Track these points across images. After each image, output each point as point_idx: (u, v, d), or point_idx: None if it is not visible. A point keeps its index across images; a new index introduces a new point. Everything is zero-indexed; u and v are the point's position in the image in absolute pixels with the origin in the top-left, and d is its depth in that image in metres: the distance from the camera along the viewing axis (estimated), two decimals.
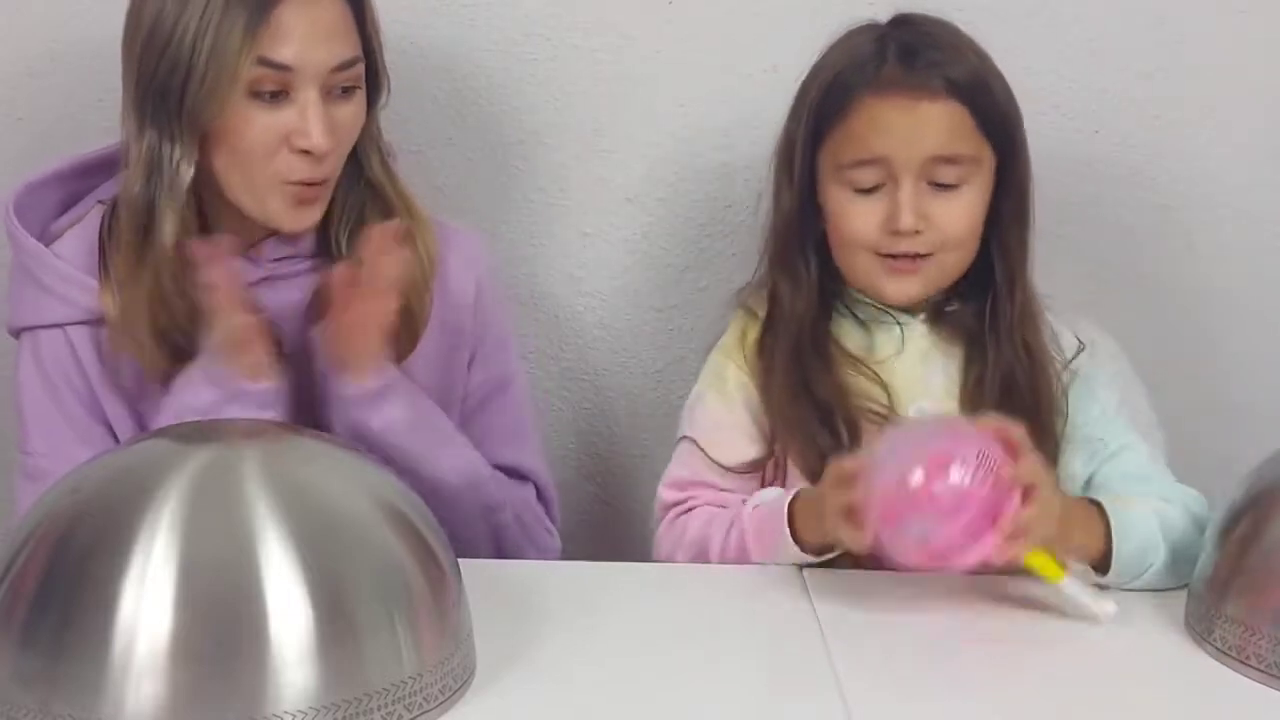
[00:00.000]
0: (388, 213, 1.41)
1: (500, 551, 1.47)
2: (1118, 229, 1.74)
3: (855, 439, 1.38)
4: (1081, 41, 1.69)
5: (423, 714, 1.03)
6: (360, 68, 1.37)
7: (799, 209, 1.44)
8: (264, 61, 1.29)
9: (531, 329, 1.78)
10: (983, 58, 1.41)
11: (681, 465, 1.46)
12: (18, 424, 1.41)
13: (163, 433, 1.15)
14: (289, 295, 1.41)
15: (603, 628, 1.21)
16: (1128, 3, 1.69)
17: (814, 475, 1.35)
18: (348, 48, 1.35)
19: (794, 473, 1.41)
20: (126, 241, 1.34)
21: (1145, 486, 1.37)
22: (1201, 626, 1.19)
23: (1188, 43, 1.70)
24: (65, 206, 1.43)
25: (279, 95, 1.31)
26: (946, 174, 1.38)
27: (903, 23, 1.43)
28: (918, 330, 1.44)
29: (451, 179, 1.73)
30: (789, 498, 1.33)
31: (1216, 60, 1.71)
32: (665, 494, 1.45)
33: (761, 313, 1.47)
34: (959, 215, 1.39)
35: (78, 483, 1.06)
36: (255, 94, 1.31)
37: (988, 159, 1.40)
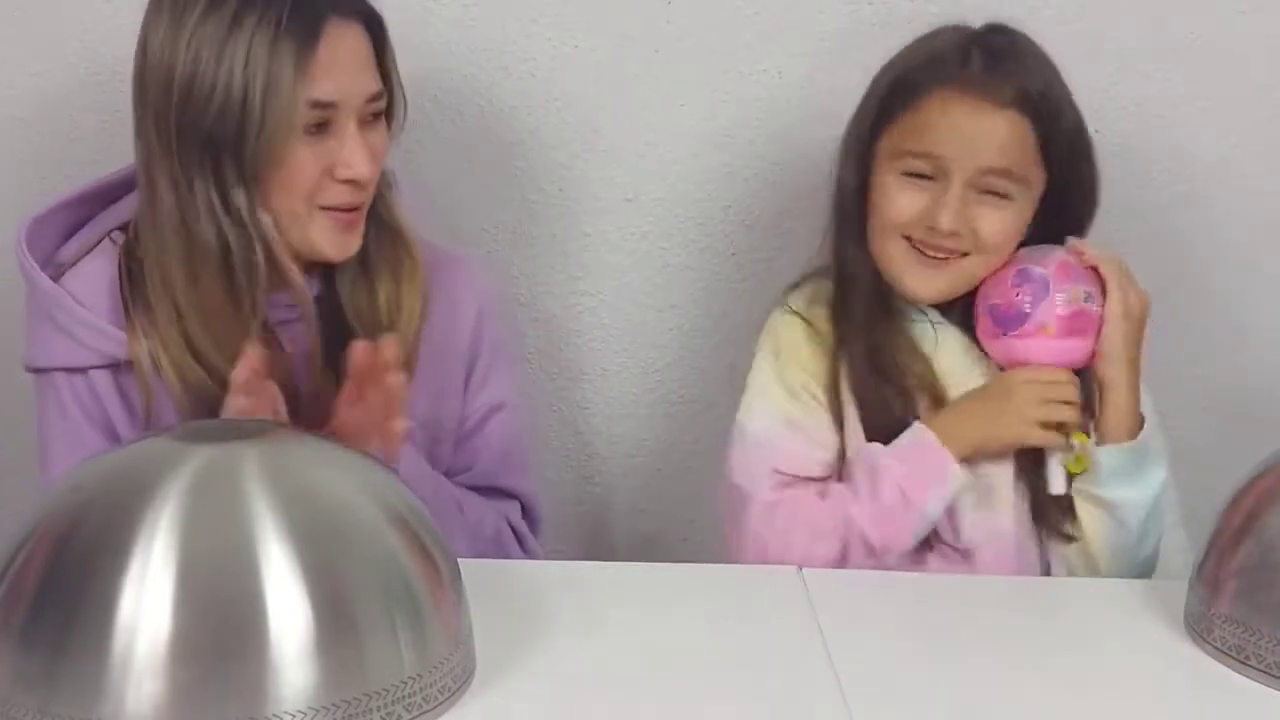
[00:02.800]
0: (392, 246, 1.42)
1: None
2: (1118, 229, 1.74)
3: (913, 410, 1.43)
4: (1082, 41, 1.69)
5: (422, 714, 1.03)
6: (385, 97, 1.39)
7: (857, 188, 1.46)
8: (314, 103, 1.31)
9: (531, 329, 1.78)
10: (1060, 80, 1.43)
11: (779, 463, 1.43)
12: (41, 463, 1.41)
13: (163, 433, 1.14)
14: (305, 336, 1.42)
15: (602, 628, 1.21)
16: (1128, 3, 1.69)
17: (879, 438, 1.42)
18: (376, 79, 1.37)
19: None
20: (216, 292, 1.34)
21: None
22: (1201, 626, 1.19)
23: (1188, 43, 1.70)
24: (68, 234, 1.44)
25: (323, 128, 1.33)
26: (997, 185, 1.40)
27: (993, 30, 1.44)
28: (951, 333, 1.46)
29: (451, 179, 1.73)
30: (921, 431, 1.39)
31: (1216, 60, 1.71)
32: (769, 495, 1.41)
33: (804, 311, 1.48)
34: (999, 227, 1.41)
35: (78, 482, 1.06)
36: (305, 132, 1.32)
37: (1038, 180, 1.42)
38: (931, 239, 1.41)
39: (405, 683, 1.02)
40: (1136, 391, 1.40)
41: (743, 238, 1.75)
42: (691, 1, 1.68)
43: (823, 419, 1.44)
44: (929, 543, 1.42)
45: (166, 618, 0.95)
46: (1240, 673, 1.15)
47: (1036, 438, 1.39)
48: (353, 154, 1.34)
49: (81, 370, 1.38)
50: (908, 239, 1.42)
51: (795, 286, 1.52)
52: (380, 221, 1.42)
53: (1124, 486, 1.39)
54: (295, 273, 1.36)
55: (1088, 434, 1.40)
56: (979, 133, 1.39)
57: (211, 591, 0.97)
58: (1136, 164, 1.74)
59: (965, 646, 1.21)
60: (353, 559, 1.02)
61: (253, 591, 0.97)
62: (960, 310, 1.46)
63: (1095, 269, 1.41)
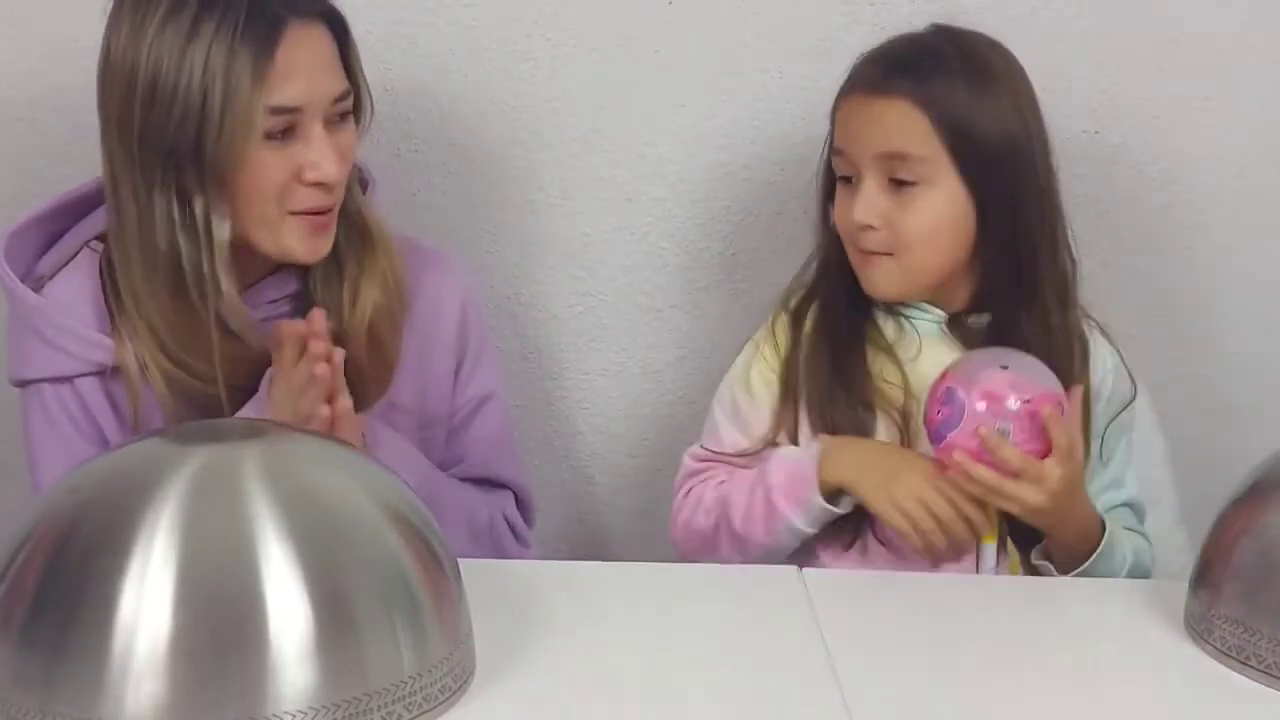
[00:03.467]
0: (361, 242, 1.42)
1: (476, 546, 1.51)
2: (1118, 229, 1.75)
3: (870, 419, 1.44)
4: (1081, 41, 1.69)
5: (422, 714, 1.03)
6: (351, 96, 1.37)
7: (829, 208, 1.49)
8: (275, 110, 1.30)
9: (531, 329, 1.78)
10: (978, 71, 1.41)
11: (710, 440, 1.51)
12: (31, 475, 1.41)
13: (162, 433, 1.15)
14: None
15: (602, 628, 1.21)
16: (1127, 2, 1.69)
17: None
18: (341, 78, 1.36)
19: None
20: (173, 302, 1.33)
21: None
22: (1201, 626, 1.19)
23: (1188, 43, 1.70)
24: (45, 247, 1.43)
25: (288, 132, 1.32)
26: (901, 172, 1.40)
27: (909, 35, 1.46)
28: (935, 336, 1.46)
29: (451, 179, 1.73)
30: (817, 449, 1.41)
31: (1216, 60, 1.71)
32: (689, 462, 1.51)
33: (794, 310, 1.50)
34: (913, 216, 1.40)
35: (77, 483, 1.06)
36: (269, 137, 1.31)
37: (945, 164, 1.40)
38: (860, 241, 1.42)
39: (405, 683, 1.02)
40: (1077, 519, 1.37)
41: (742, 237, 1.75)
42: (691, 1, 1.68)
43: (768, 409, 1.48)
44: (853, 538, 1.43)
45: (166, 618, 0.95)
46: (1240, 673, 1.15)
47: (894, 522, 1.37)
48: (320, 156, 1.33)
49: (68, 380, 1.37)
50: (851, 244, 1.44)
51: (794, 286, 1.52)
52: (351, 219, 1.42)
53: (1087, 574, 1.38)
54: (235, 293, 1.34)
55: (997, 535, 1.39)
56: (868, 122, 1.41)
57: (211, 591, 0.97)
58: (1136, 164, 1.74)
59: (965, 646, 1.21)
60: (353, 559, 1.02)
61: (253, 591, 0.97)
62: (949, 316, 1.46)
63: (1028, 400, 1.33)
